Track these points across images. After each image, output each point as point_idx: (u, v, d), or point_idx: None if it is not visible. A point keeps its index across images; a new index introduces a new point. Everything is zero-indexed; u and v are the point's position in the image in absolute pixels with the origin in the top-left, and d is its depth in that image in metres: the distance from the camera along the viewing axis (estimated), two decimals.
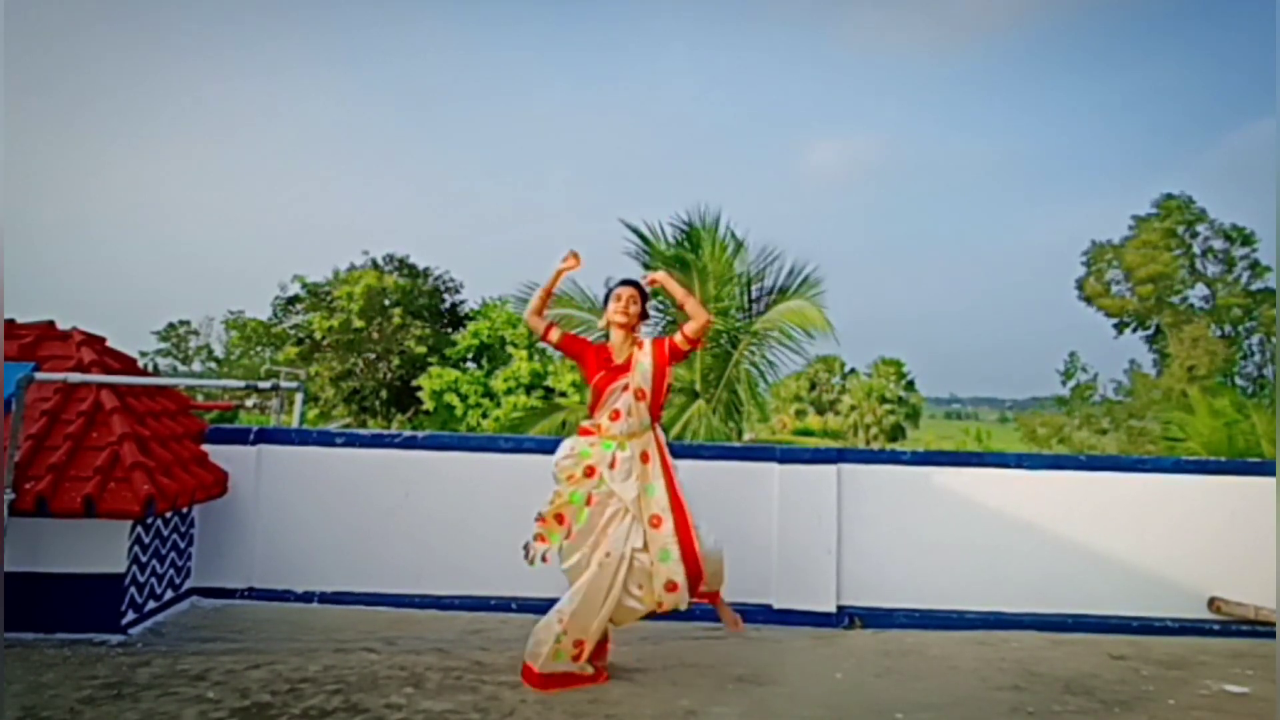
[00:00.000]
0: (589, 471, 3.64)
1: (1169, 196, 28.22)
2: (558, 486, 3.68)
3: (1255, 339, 26.77)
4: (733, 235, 10.15)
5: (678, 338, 3.76)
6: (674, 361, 3.79)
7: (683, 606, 3.61)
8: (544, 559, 3.65)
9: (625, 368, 3.74)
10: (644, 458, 3.66)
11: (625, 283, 3.87)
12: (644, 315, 3.85)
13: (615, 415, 3.70)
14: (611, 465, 3.62)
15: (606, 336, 3.89)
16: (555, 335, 3.85)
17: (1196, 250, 27.82)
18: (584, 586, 3.54)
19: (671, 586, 3.56)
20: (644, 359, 3.75)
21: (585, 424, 3.81)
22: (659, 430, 3.77)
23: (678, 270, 10.02)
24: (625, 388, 3.70)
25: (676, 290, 3.82)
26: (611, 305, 3.81)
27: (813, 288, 9.91)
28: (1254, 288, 26.83)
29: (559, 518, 3.66)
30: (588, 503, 3.61)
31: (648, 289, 3.89)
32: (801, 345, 9.76)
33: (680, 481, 3.71)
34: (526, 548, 3.67)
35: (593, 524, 3.59)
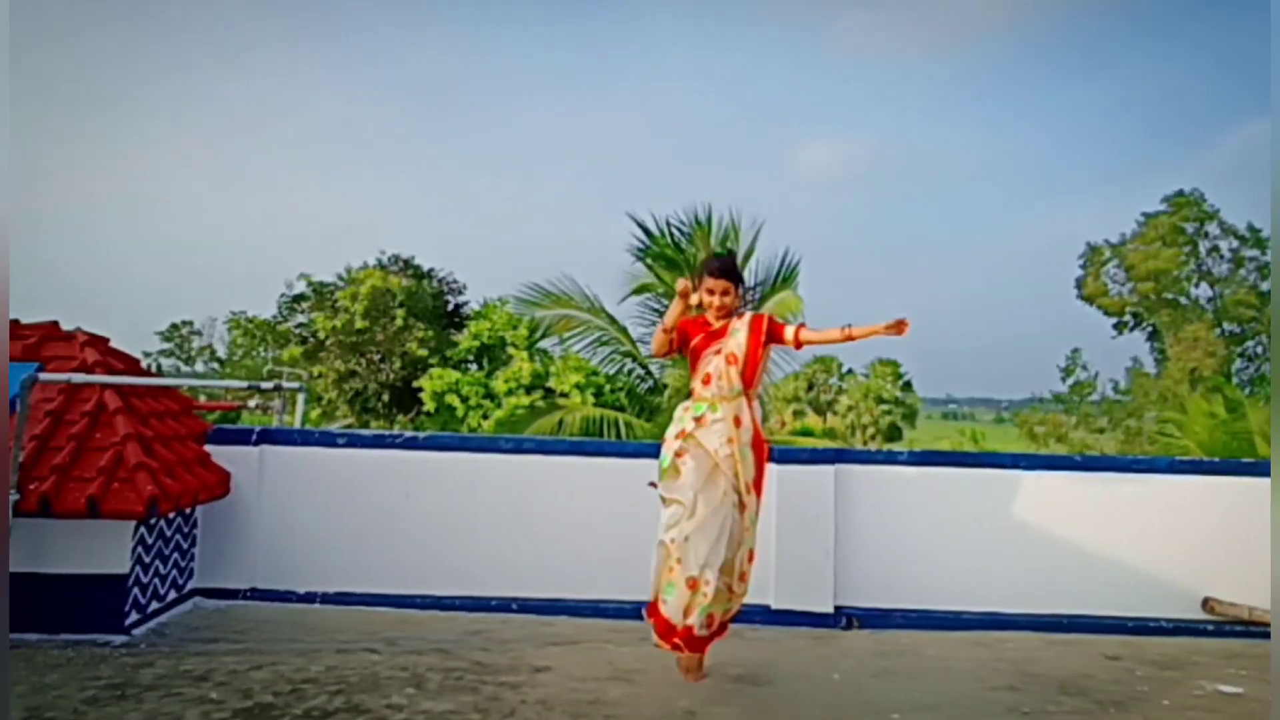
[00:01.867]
0: (680, 434, 3.61)
1: (1180, 193, 28.11)
2: (662, 455, 3.65)
3: (1256, 340, 26.72)
4: (733, 229, 10.18)
5: (789, 332, 3.74)
6: (770, 342, 3.74)
7: (741, 599, 3.65)
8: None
9: (721, 333, 3.71)
10: (736, 421, 3.58)
11: (721, 273, 3.75)
12: (739, 292, 3.78)
13: (707, 379, 3.67)
14: (700, 423, 3.58)
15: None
16: (675, 337, 3.78)
17: (1204, 249, 27.73)
18: (697, 521, 3.46)
19: (752, 556, 3.62)
20: (740, 328, 3.71)
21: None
22: (754, 401, 3.71)
23: (674, 270, 10.06)
24: (718, 352, 3.67)
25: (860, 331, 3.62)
26: (704, 294, 3.73)
27: (794, 278, 10.00)
28: (1264, 288, 26.71)
29: (665, 478, 3.61)
30: (678, 455, 3.56)
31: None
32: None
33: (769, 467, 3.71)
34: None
35: (685, 479, 3.51)
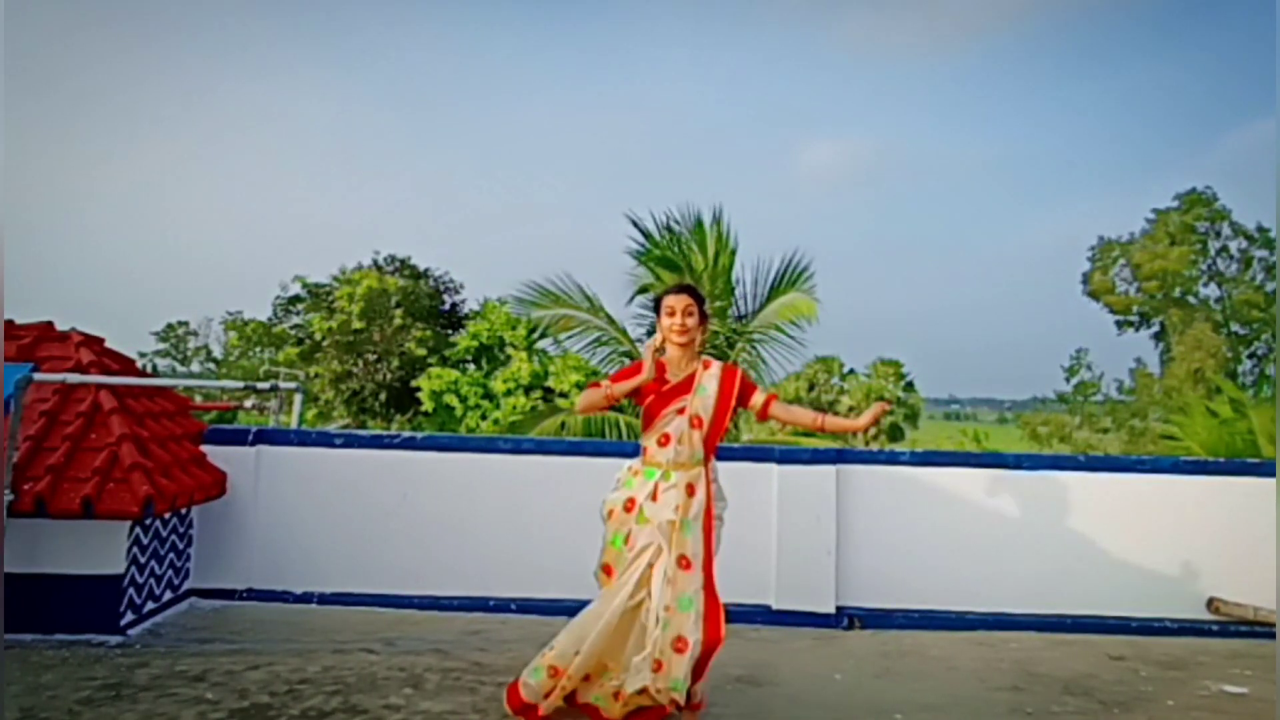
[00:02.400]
0: (629, 505, 3.15)
1: (1192, 191, 28.11)
2: (606, 528, 3.21)
3: (1262, 341, 26.73)
4: (725, 236, 10.16)
5: (758, 398, 3.26)
6: (741, 406, 3.27)
7: (677, 696, 2.97)
8: None
9: (684, 388, 3.19)
10: (689, 490, 3.12)
11: (680, 289, 3.29)
12: (704, 319, 3.28)
13: (664, 439, 3.16)
14: (653, 497, 3.11)
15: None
16: (614, 390, 3.18)
17: (1213, 248, 27.73)
18: (592, 610, 3.10)
19: (680, 644, 2.99)
20: (709, 382, 3.21)
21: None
22: (713, 467, 3.23)
23: (671, 271, 10.04)
24: (680, 411, 3.16)
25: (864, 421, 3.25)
26: (664, 320, 3.22)
27: (801, 279, 9.94)
28: (1270, 289, 26.73)
29: (607, 571, 3.17)
30: (626, 541, 3.13)
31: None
32: (796, 342, 9.78)
33: (718, 538, 3.20)
34: None
35: (633, 569, 3.08)
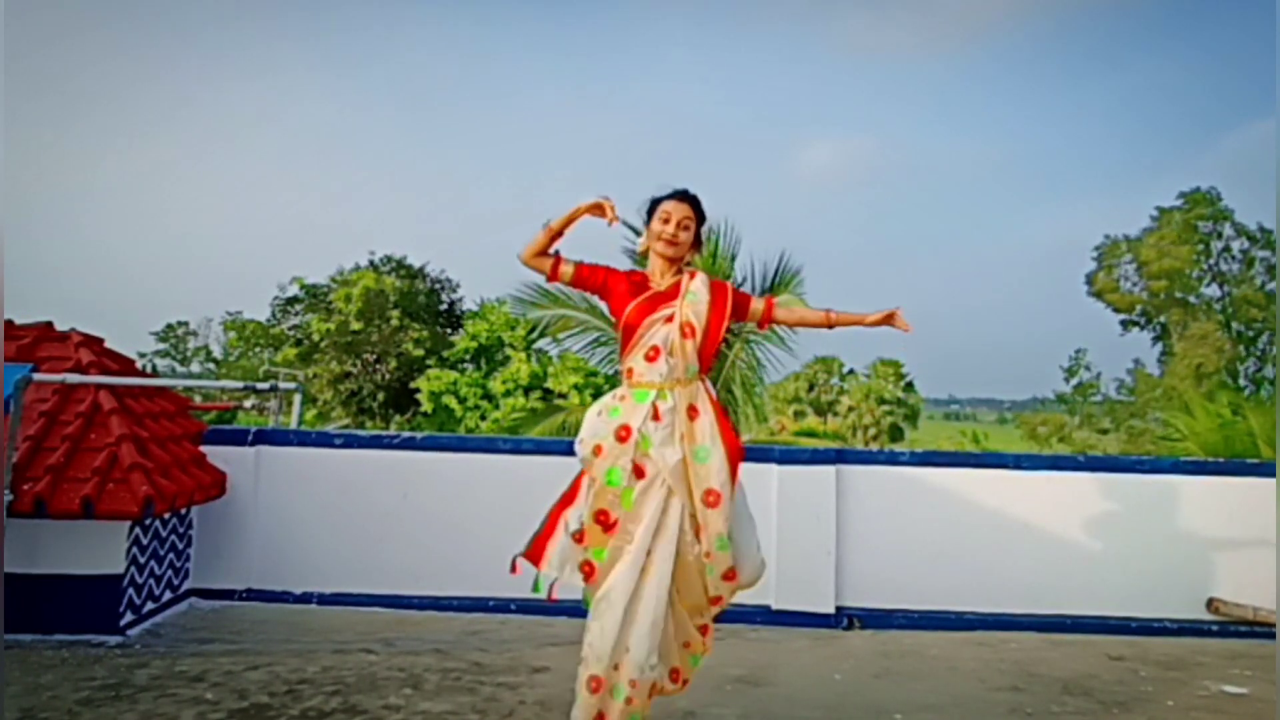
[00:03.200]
0: (622, 433, 2.72)
1: (1196, 190, 28.11)
2: (590, 472, 2.77)
3: (1261, 341, 26.75)
4: (718, 237, 10.16)
5: (757, 305, 2.96)
6: (735, 319, 2.93)
7: (690, 675, 2.80)
8: (551, 593, 2.78)
9: (670, 295, 2.84)
10: (691, 412, 2.76)
11: (683, 197, 2.89)
12: (697, 244, 2.94)
13: (654, 354, 2.77)
14: (655, 417, 2.72)
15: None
16: (567, 270, 2.87)
17: (1215, 248, 27.74)
18: (614, 591, 2.65)
19: (730, 575, 2.73)
20: (698, 289, 2.85)
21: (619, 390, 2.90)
22: (708, 383, 2.88)
23: None
24: (669, 319, 2.80)
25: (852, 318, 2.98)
26: (655, 224, 2.86)
27: (793, 281, 9.96)
28: (1271, 289, 26.75)
29: (602, 518, 2.71)
30: (638, 475, 2.69)
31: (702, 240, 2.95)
32: (790, 343, 9.79)
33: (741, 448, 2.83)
34: (521, 570, 2.83)
35: (639, 509, 2.69)
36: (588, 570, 2.77)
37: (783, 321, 3.12)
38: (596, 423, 2.80)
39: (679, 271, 2.92)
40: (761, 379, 10.27)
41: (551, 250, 2.86)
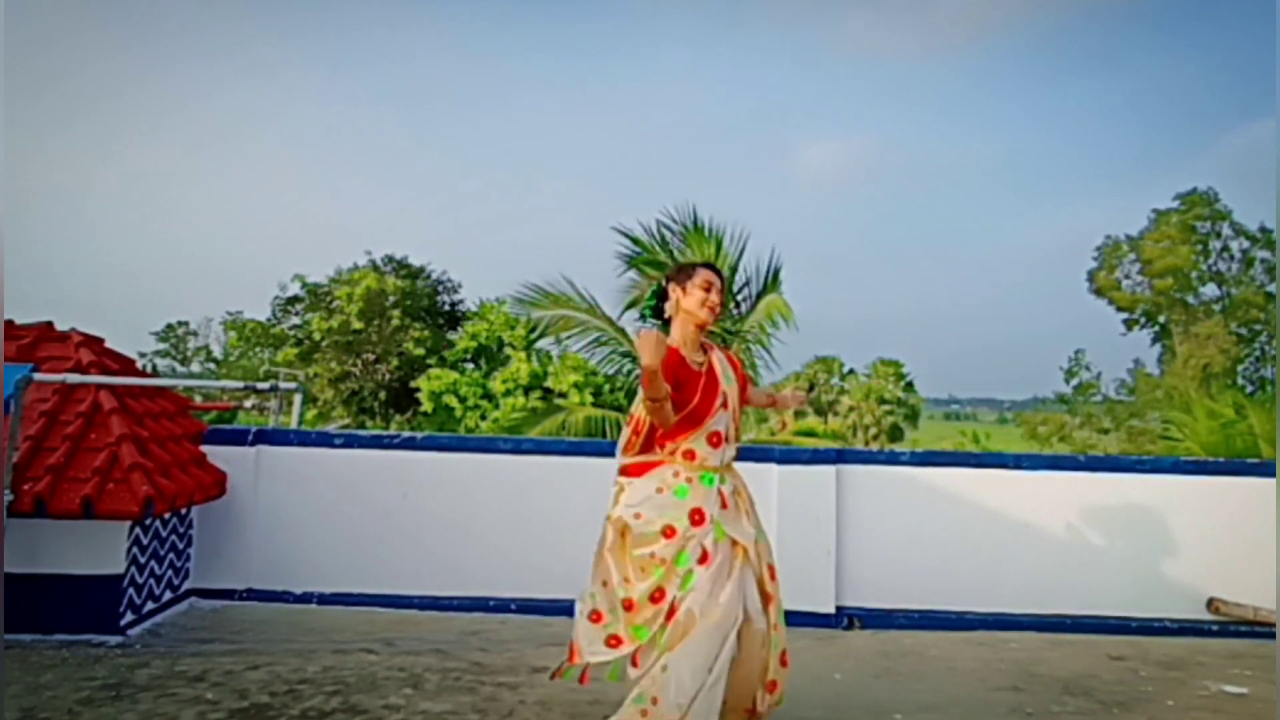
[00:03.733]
0: (696, 517, 2.65)
1: (1194, 190, 28.08)
2: (639, 550, 2.65)
3: (1262, 340, 26.73)
4: (719, 235, 10.18)
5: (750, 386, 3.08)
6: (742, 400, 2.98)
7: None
8: (583, 677, 2.85)
9: (712, 376, 2.79)
10: (738, 492, 2.83)
11: (712, 267, 2.89)
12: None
13: (716, 439, 2.74)
14: (723, 505, 2.70)
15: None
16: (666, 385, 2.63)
17: (1214, 248, 27.71)
18: (686, 646, 2.53)
19: (784, 659, 2.77)
20: (725, 367, 2.84)
21: (643, 458, 2.81)
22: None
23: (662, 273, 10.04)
24: (725, 405, 2.76)
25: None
26: (697, 293, 2.77)
27: (778, 281, 10.01)
28: (1271, 289, 26.73)
29: (658, 595, 2.61)
30: (702, 561, 2.61)
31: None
32: (782, 341, 9.83)
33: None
34: (564, 672, 2.85)
35: (705, 585, 2.59)
36: (614, 643, 2.72)
37: (751, 404, 3.20)
38: (660, 500, 2.70)
39: (699, 346, 2.86)
40: (758, 376, 10.28)
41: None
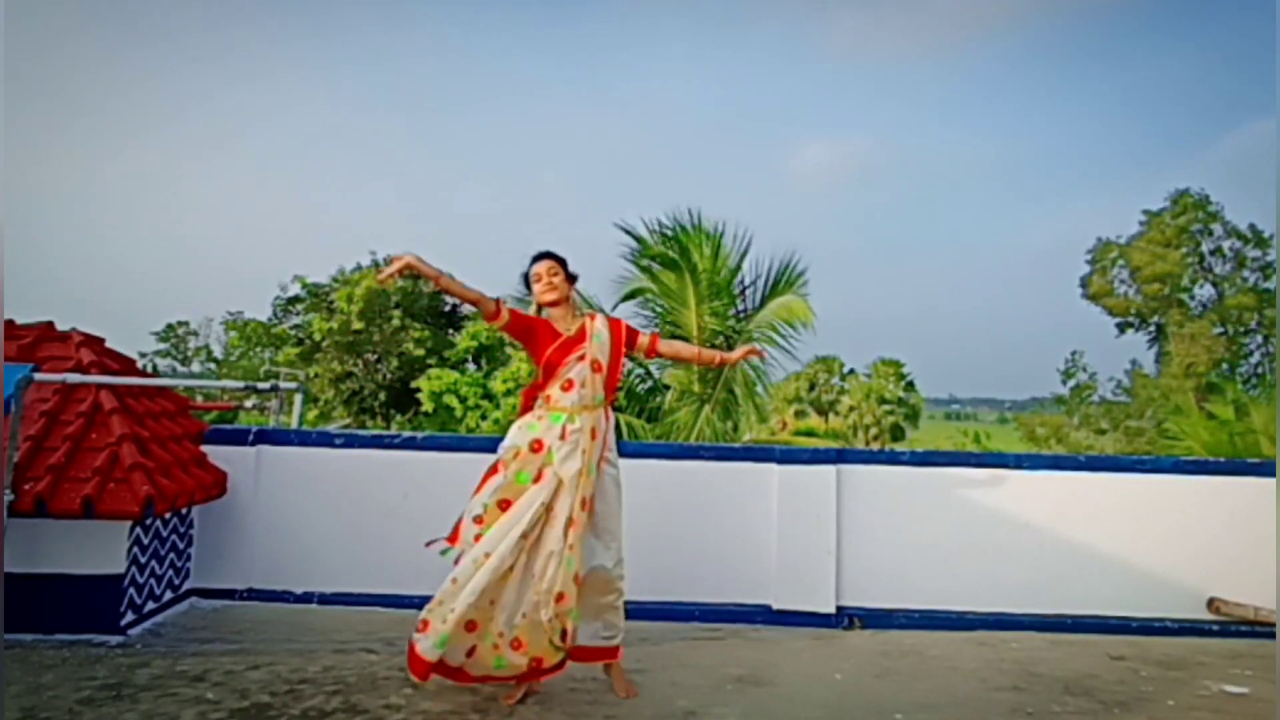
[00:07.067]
0: (536, 446, 3.34)
1: (1184, 192, 28.02)
2: (504, 470, 3.35)
3: (1257, 340, 26.71)
4: (721, 236, 10.17)
5: (643, 339, 3.65)
6: (628, 350, 3.61)
7: (574, 624, 3.30)
8: (457, 560, 3.32)
9: (579, 339, 3.47)
10: (592, 433, 3.36)
11: (540, 256, 3.57)
12: (571, 279, 3.58)
13: (569, 385, 3.41)
14: (562, 437, 3.33)
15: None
16: (506, 315, 3.42)
17: (1206, 249, 27.66)
18: (496, 556, 3.18)
19: (579, 580, 3.29)
20: (601, 330, 3.52)
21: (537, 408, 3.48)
22: (610, 411, 3.52)
23: (668, 271, 10.02)
24: (581, 358, 3.43)
25: (686, 351, 4.12)
26: (535, 286, 3.53)
27: (797, 281, 9.96)
28: (1264, 288, 26.67)
29: (504, 505, 3.30)
30: (536, 479, 3.30)
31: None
32: (793, 342, 9.80)
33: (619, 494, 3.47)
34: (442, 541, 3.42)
35: (530, 501, 3.26)
36: (477, 540, 3.30)
37: (663, 354, 3.86)
38: (517, 434, 3.41)
39: (578, 315, 3.58)
40: (761, 378, 10.28)
41: (491, 296, 3.44)
